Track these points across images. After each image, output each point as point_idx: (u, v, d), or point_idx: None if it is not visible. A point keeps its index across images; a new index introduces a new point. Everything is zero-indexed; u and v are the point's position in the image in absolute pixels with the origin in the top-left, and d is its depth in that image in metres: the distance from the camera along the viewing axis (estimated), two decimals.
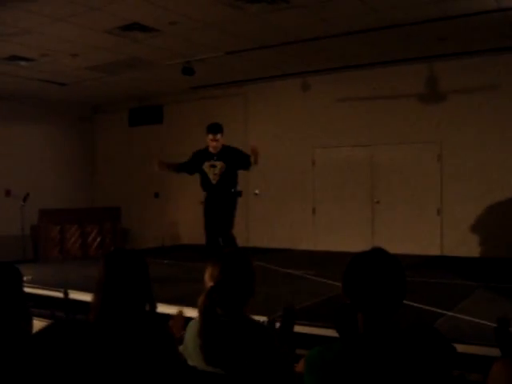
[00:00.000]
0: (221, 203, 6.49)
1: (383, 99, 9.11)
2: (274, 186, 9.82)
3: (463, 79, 8.43)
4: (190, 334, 2.30)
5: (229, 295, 2.25)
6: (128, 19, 6.52)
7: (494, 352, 3.22)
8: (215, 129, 6.47)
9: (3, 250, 9.17)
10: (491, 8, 6.21)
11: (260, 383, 2.15)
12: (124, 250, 2.33)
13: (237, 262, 2.34)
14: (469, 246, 8.27)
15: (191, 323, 2.36)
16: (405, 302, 1.86)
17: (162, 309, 3.12)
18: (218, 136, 6.45)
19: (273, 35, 7.23)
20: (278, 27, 6.92)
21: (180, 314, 2.85)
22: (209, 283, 2.27)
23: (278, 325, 3.91)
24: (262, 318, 3.98)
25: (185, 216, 10.94)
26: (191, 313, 3.21)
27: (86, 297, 4.58)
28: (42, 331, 1.40)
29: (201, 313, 2.20)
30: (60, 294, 5.57)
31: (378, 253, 1.89)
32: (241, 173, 6.67)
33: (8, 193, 10.59)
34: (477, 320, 4.11)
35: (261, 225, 10.15)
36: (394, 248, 2.14)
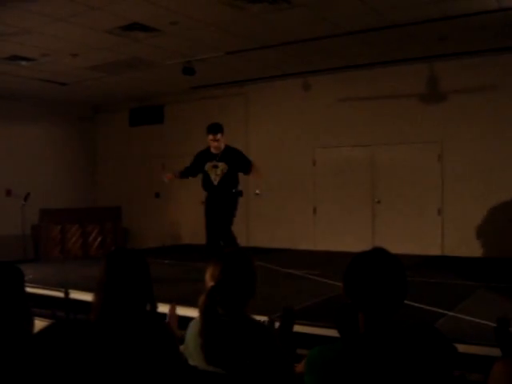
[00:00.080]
0: (222, 203, 6.49)
1: (384, 99, 9.11)
2: (274, 186, 9.82)
3: (464, 79, 8.43)
4: (191, 334, 2.31)
5: (230, 295, 2.25)
6: (128, 19, 6.52)
7: (495, 352, 3.22)
8: (215, 129, 6.48)
9: (4, 250, 9.18)
10: (492, 8, 6.21)
11: (261, 383, 2.15)
12: (125, 250, 2.33)
13: (238, 262, 2.34)
14: (469, 246, 8.26)
15: (192, 323, 2.36)
16: (405, 302, 1.86)
17: (163, 309, 3.12)
18: (218, 136, 6.45)
19: (274, 35, 7.23)
20: (279, 27, 6.92)
21: (173, 311, 2.85)
22: (210, 283, 2.27)
23: (277, 325, 3.91)
24: (263, 318, 3.98)
25: (185, 216, 10.95)
26: (192, 312, 3.21)
27: (87, 296, 4.58)
28: (43, 331, 1.40)
29: (201, 312, 2.20)
30: (61, 294, 5.58)
31: (378, 253, 1.89)
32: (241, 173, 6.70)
33: (9, 192, 10.59)
34: (477, 320, 4.11)
35: (261, 225, 10.15)
36: (394, 248, 2.14)
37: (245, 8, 6.19)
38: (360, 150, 9.33)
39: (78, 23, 6.56)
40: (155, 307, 2.23)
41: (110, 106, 12.22)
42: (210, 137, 6.47)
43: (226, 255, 2.40)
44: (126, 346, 1.98)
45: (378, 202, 9.18)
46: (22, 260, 8.67)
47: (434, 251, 8.57)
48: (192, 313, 3.30)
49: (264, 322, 3.98)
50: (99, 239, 9.79)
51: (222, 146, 6.57)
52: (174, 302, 2.97)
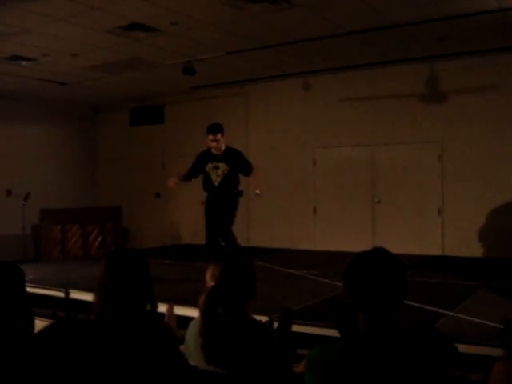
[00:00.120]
0: (222, 204, 6.50)
1: (384, 99, 9.11)
2: (274, 186, 9.82)
3: (464, 79, 8.43)
4: (191, 334, 2.31)
5: (230, 295, 2.25)
6: (129, 19, 6.52)
7: (495, 352, 3.22)
8: (215, 129, 6.48)
9: (4, 250, 9.19)
10: (491, 8, 6.21)
11: (261, 383, 2.16)
12: (125, 250, 2.33)
13: (238, 262, 2.34)
14: (470, 246, 8.26)
15: (192, 323, 2.37)
16: (406, 301, 1.86)
17: (163, 309, 3.12)
18: (218, 136, 6.46)
19: (274, 35, 7.23)
20: (279, 27, 6.92)
21: (170, 311, 2.85)
22: (210, 283, 2.27)
23: (275, 325, 3.91)
24: (263, 318, 3.98)
25: (186, 216, 10.95)
26: (192, 312, 3.22)
27: (87, 296, 4.59)
28: (43, 331, 1.40)
29: (202, 312, 2.20)
30: (61, 294, 5.58)
31: (379, 253, 1.89)
32: None
33: (9, 192, 10.59)
34: (478, 320, 4.11)
35: (261, 225, 10.16)
36: (394, 248, 2.13)
37: (245, 8, 6.19)
38: (360, 149, 9.33)
39: (79, 23, 6.56)
40: (155, 307, 2.24)
41: (111, 105, 12.22)
42: (210, 137, 6.48)
43: (226, 255, 2.40)
44: (126, 345, 1.98)
45: (378, 201, 9.18)
46: (23, 260, 8.68)
47: (434, 251, 8.57)
48: (192, 313, 3.30)
49: (265, 321, 3.99)
50: (99, 239, 9.80)
51: (223, 146, 6.57)
52: (171, 301, 2.97)
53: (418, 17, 6.50)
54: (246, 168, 6.56)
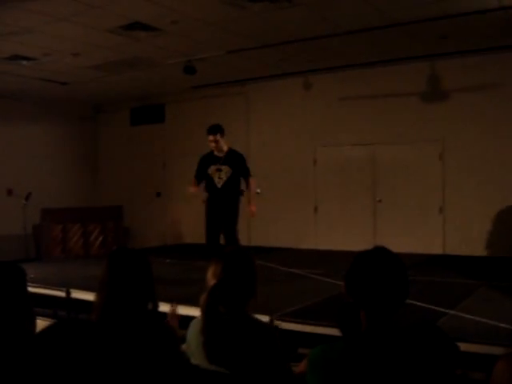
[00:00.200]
0: (225, 206, 6.49)
1: (385, 98, 9.10)
2: (275, 185, 9.82)
3: (465, 77, 8.42)
4: (193, 333, 2.31)
5: (231, 293, 2.25)
6: (130, 18, 6.53)
7: (497, 350, 3.22)
8: (213, 129, 6.50)
9: (5, 250, 9.19)
10: (492, 7, 6.20)
11: (262, 382, 2.16)
12: (127, 249, 2.33)
13: (239, 261, 2.34)
14: (471, 245, 8.26)
15: (194, 322, 2.37)
16: (407, 300, 1.86)
17: (164, 308, 3.12)
18: (218, 136, 6.46)
19: (274, 34, 7.23)
20: (280, 26, 6.91)
21: (173, 311, 2.85)
22: (211, 281, 2.27)
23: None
24: (264, 317, 3.98)
25: (187, 215, 10.94)
26: (193, 311, 3.22)
27: (89, 296, 4.58)
28: (45, 330, 1.40)
29: (203, 311, 2.20)
30: (62, 294, 5.58)
31: (380, 252, 1.89)
32: None
33: (10, 192, 10.60)
34: (479, 318, 4.10)
35: (262, 224, 10.14)
36: (396, 247, 2.13)
37: (246, 7, 6.19)
38: (361, 148, 9.32)
39: (79, 22, 6.57)
40: (157, 306, 2.24)
41: (111, 105, 12.23)
42: (210, 137, 6.49)
43: (227, 254, 2.40)
44: (127, 345, 1.98)
45: (380, 200, 9.17)
46: (24, 259, 8.69)
47: (436, 250, 8.57)
48: (193, 312, 3.30)
49: (267, 321, 3.99)
50: (100, 238, 9.81)
51: (225, 148, 6.57)
52: (174, 301, 2.97)
53: (419, 15, 6.49)
54: (245, 172, 6.62)
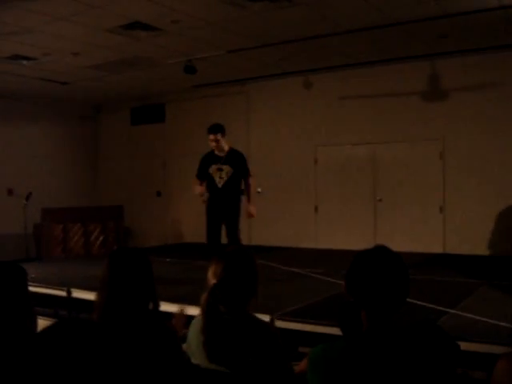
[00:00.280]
0: (226, 206, 6.49)
1: (385, 97, 9.10)
2: (276, 185, 9.82)
3: (465, 76, 8.42)
4: (193, 332, 2.31)
5: (232, 293, 2.25)
6: (130, 18, 6.53)
7: (497, 349, 3.22)
8: (214, 129, 6.49)
9: (6, 249, 9.21)
10: (492, 6, 6.20)
11: (262, 381, 2.16)
12: (128, 249, 2.34)
13: (240, 260, 2.34)
14: (471, 244, 8.25)
15: (194, 321, 2.37)
16: (408, 299, 1.86)
17: (165, 307, 3.13)
18: (218, 136, 6.45)
19: (275, 33, 7.23)
20: (280, 25, 6.91)
21: (181, 312, 2.85)
22: (212, 281, 2.27)
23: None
24: (265, 316, 3.98)
25: (187, 214, 10.95)
26: (194, 311, 3.22)
27: (89, 295, 4.59)
28: (46, 330, 1.40)
29: (204, 310, 2.20)
30: (63, 293, 5.59)
31: (381, 251, 1.89)
32: None
33: (10, 192, 10.60)
34: (480, 318, 4.11)
35: (263, 223, 10.13)
36: (396, 246, 2.13)
37: (246, 6, 6.19)
38: (361, 148, 9.32)
39: (79, 22, 6.57)
40: (157, 306, 2.24)
41: (112, 105, 12.23)
42: (211, 137, 6.48)
43: (228, 253, 2.40)
44: (128, 344, 1.99)
45: (380, 200, 9.17)
46: (25, 259, 8.69)
47: (436, 249, 8.57)
48: (194, 311, 3.31)
49: (268, 320, 3.99)
50: (101, 238, 9.81)
51: (226, 147, 6.56)
52: (183, 304, 2.95)
53: (419, 14, 6.49)
54: (245, 173, 6.60)
